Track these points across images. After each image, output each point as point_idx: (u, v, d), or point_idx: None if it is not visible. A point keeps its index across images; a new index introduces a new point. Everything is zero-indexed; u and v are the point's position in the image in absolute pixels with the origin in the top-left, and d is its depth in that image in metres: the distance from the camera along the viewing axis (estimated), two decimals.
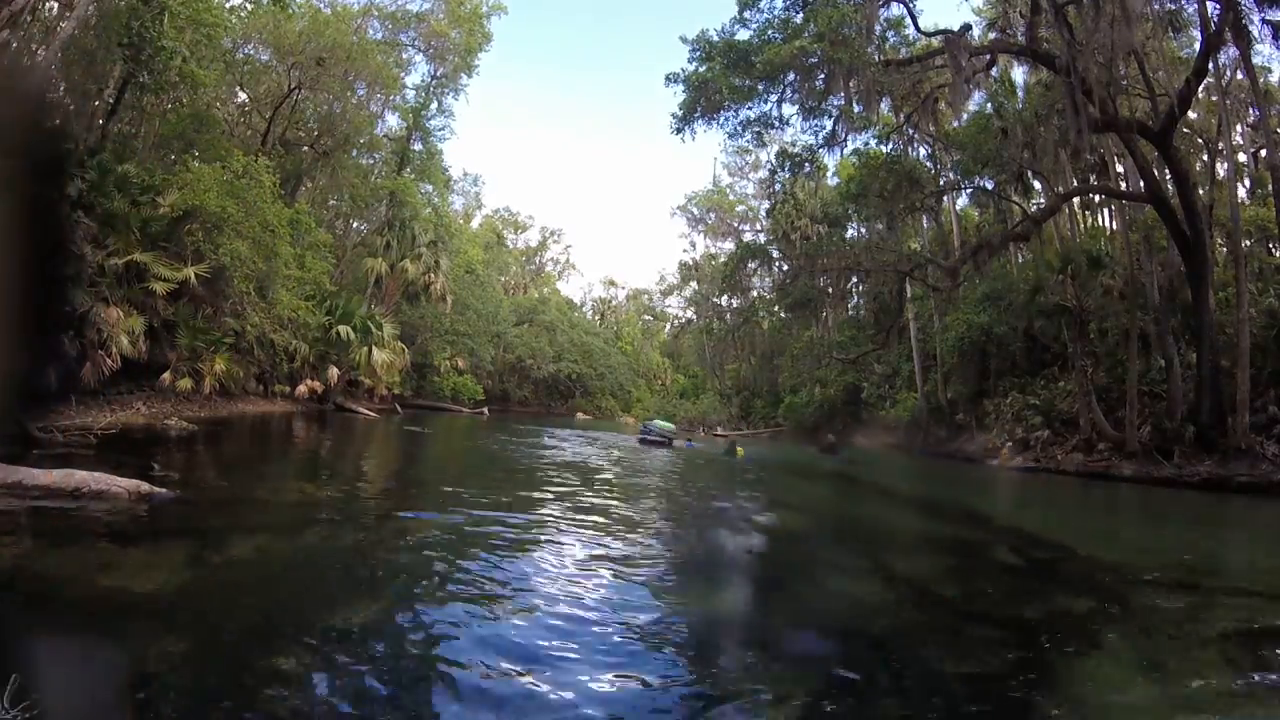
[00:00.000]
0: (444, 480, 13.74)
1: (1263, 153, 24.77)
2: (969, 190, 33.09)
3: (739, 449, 23.79)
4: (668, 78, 25.65)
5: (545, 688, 3.62)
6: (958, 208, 37.57)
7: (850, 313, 49.72)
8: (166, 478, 8.59)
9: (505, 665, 3.88)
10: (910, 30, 24.93)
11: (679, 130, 26.36)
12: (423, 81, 38.36)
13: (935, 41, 24.14)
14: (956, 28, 22.68)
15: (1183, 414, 20.00)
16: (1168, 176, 21.31)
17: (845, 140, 28.63)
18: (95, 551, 5.45)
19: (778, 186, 40.33)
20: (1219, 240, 23.48)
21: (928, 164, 33.51)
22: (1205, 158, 26.21)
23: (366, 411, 30.81)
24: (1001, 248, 27.44)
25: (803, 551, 8.68)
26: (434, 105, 38.76)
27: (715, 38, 24.95)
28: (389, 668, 3.83)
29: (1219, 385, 19.09)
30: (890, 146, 31.78)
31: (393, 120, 37.28)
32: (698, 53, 25.16)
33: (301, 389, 26.53)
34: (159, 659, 3.56)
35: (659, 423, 29.69)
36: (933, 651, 4.78)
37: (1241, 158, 27.25)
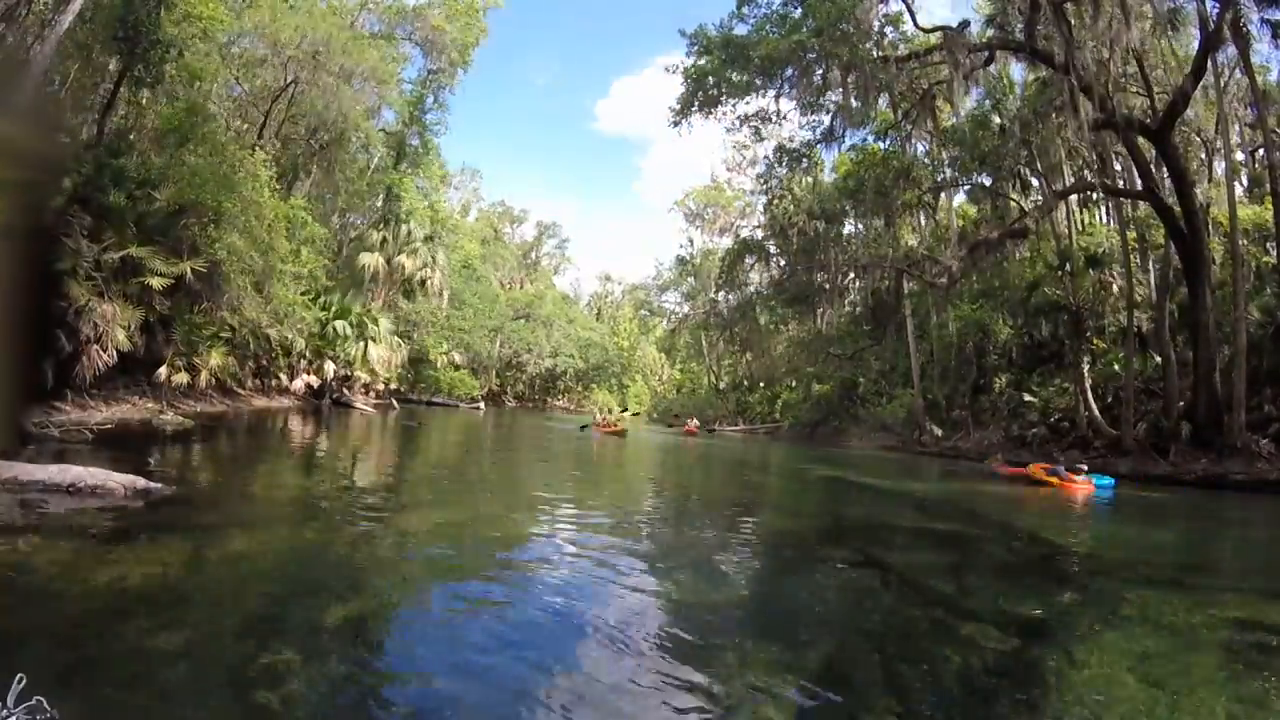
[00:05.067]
0: (441, 476, 13.74)
1: (1260, 152, 24.80)
2: (967, 187, 33.10)
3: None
4: (666, 70, 25.67)
5: (543, 684, 3.62)
6: (955, 204, 37.59)
7: (847, 309, 49.71)
8: (163, 473, 8.57)
9: (502, 660, 3.88)
10: (909, 26, 24.95)
11: (676, 124, 26.38)
12: (419, 76, 38.28)
13: (933, 38, 24.15)
14: (955, 24, 22.70)
15: (1179, 412, 20.04)
16: (1165, 175, 21.32)
17: (843, 136, 28.66)
18: (91, 547, 5.42)
19: (775, 182, 40.31)
20: (1216, 239, 23.50)
21: (925, 161, 33.50)
22: (1203, 156, 26.24)
23: (363, 407, 30.82)
24: (999, 245, 27.45)
25: (796, 548, 8.68)
26: (430, 99, 38.70)
27: (713, 32, 24.92)
28: (386, 664, 3.83)
29: (1215, 383, 19.13)
30: (888, 143, 31.79)
31: (389, 115, 37.17)
32: (695, 46, 25.13)
33: (298, 384, 26.51)
34: (155, 655, 3.54)
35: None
36: (926, 648, 4.78)
37: (1239, 156, 27.27)
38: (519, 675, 3.73)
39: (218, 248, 17.93)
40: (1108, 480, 16.76)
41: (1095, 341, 25.07)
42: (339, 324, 28.46)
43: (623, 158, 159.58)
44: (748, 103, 26.26)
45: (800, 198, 41.36)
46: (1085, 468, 16.85)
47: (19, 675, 2.28)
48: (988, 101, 27.54)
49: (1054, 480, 16.61)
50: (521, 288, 74.12)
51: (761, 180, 42.63)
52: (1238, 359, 18.63)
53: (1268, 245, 23.11)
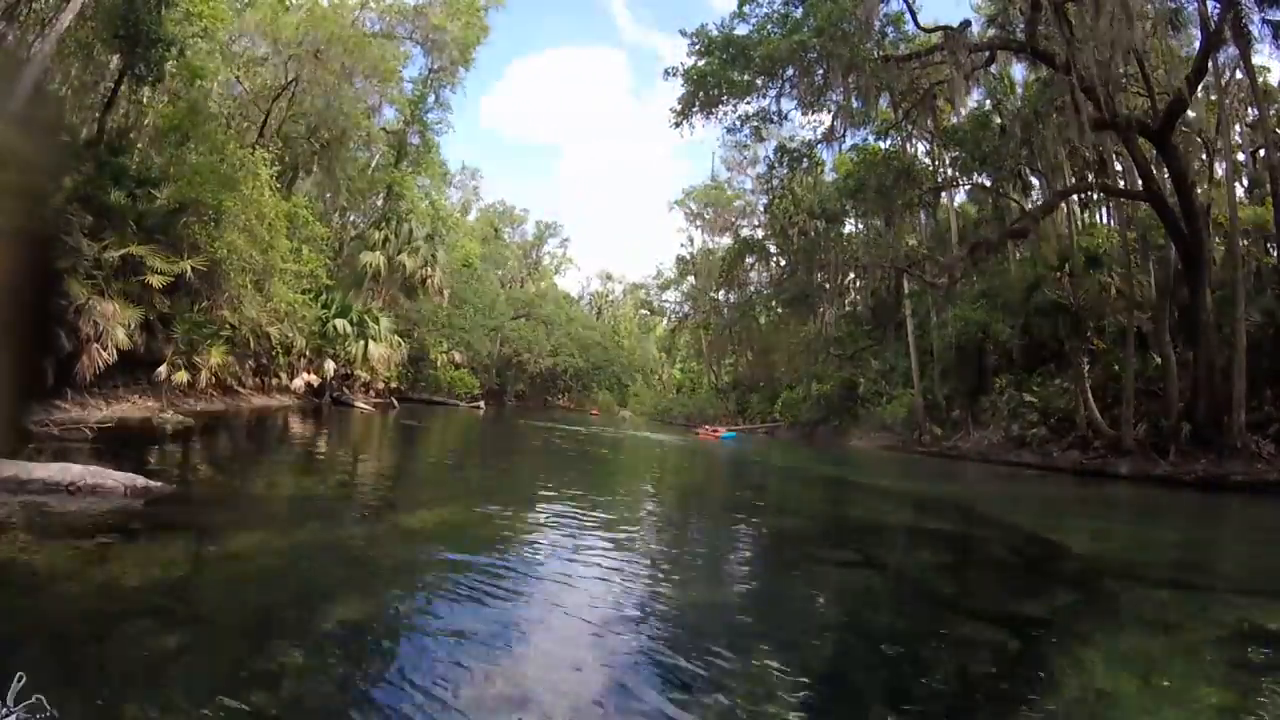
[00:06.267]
0: (440, 475, 13.75)
1: (1261, 152, 24.75)
2: (967, 187, 33.05)
3: None
4: (666, 71, 25.66)
5: (543, 683, 3.62)
6: (956, 204, 37.55)
7: (848, 308, 49.71)
8: (163, 472, 8.58)
9: (502, 660, 3.89)
10: (910, 26, 24.86)
11: (678, 124, 26.31)
12: (420, 75, 38.22)
13: (935, 38, 24.07)
14: (956, 24, 22.64)
15: (1179, 412, 20.03)
16: (1166, 175, 21.28)
17: (844, 136, 28.58)
18: (91, 546, 5.43)
19: (776, 182, 40.24)
20: (1217, 239, 23.47)
21: (926, 160, 33.46)
22: (1204, 157, 26.19)
23: (364, 406, 30.80)
24: (999, 245, 27.43)
25: (795, 547, 8.69)
26: (431, 98, 38.64)
27: (715, 32, 24.88)
28: (386, 664, 3.82)
29: (1215, 384, 19.10)
30: (888, 143, 31.73)
31: (390, 113, 37.14)
32: (696, 46, 25.08)
33: (298, 383, 26.50)
34: (155, 654, 3.55)
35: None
36: (926, 648, 4.79)
37: (1240, 157, 27.22)
38: (519, 675, 3.73)
39: (218, 246, 17.92)
40: (731, 434, 37.21)
41: (1095, 341, 25.02)
42: (339, 322, 28.44)
43: (542, 164, 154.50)
44: (748, 103, 26.19)
45: (801, 197, 41.30)
46: (722, 428, 39.13)
47: (19, 674, 2.28)
48: (988, 101, 27.49)
49: (700, 433, 36.35)
50: (522, 286, 74.09)
51: (762, 180, 42.55)
52: (1238, 359, 18.59)
53: (1268, 246, 23.10)
